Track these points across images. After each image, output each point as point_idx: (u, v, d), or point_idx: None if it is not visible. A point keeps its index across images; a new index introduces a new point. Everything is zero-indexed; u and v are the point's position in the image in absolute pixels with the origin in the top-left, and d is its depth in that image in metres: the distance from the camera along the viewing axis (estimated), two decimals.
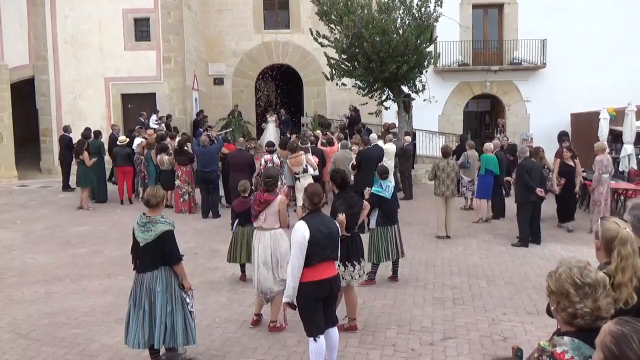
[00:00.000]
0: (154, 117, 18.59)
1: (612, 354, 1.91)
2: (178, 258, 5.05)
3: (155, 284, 4.97)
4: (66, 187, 15.84)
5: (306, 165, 11.64)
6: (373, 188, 7.80)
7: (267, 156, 11.78)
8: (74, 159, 14.83)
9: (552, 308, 2.38)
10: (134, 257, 5.12)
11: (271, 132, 20.57)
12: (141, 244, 4.98)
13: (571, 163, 11.26)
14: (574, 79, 20.39)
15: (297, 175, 11.78)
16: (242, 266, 7.89)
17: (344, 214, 5.79)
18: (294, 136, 16.06)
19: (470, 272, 8.39)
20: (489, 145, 12.24)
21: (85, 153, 13.73)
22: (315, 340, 4.75)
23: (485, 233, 11.03)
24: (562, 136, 13.04)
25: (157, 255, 4.97)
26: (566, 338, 2.25)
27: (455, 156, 13.09)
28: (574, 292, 2.28)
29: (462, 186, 12.96)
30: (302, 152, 11.82)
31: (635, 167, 13.47)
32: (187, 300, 5.11)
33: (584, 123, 17.88)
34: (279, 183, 9.35)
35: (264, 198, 6.11)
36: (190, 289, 5.19)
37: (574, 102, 19.66)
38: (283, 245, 6.08)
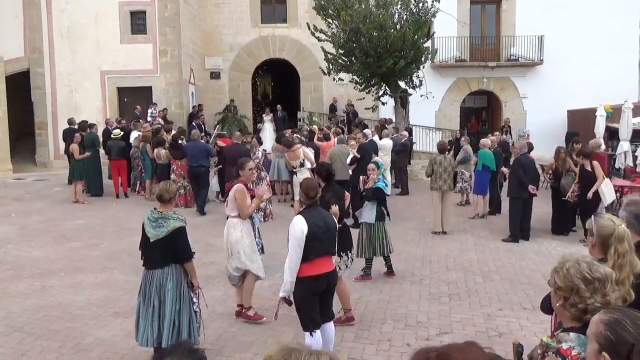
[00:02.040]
0: (150, 110, 18.51)
1: (609, 341, 1.91)
2: (190, 255, 5.00)
3: (166, 281, 4.89)
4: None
5: (303, 160, 11.63)
6: (378, 182, 7.82)
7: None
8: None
9: (558, 304, 2.34)
10: (143, 253, 5.08)
11: (268, 131, 20.53)
12: (151, 240, 4.89)
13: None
14: (571, 75, 20.42)
15: (294, 170, 11.80)
16: None
17: (336, 206, 5.84)
18: (289, 131, 16.06)
19: (466, 267, 8.40)
20: (485, 141, 12.24)
21: (75, 146, 13.61)
22: (311, 334, 4.75)
23: (481, 229, 11.04)
24: (572, 136, 12.04)
25: (168, 251, 4.88)
26: (572, 334, 2.23)
27: (452, 151, 13.11)
28: (584, 287, 2.26)
29: (465, 182, 12.95)
30: (300, 145, 11.83)
31: (632, 164, 13.50)
32: (194, 299, 5.07)
33: (581, 120, 17.92)
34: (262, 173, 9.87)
35: (229, 185, 6.34)
36: (199, 288, 5.16)
37: (571, 98, 19.71)
38: (233, 235, 6.14)
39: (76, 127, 15.67)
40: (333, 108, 22.28)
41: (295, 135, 12.61)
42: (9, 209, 12.70)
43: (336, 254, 5.98)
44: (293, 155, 11.72)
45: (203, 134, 16.99)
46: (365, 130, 13.77)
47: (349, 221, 8.63)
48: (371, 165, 8.14)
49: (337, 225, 5.90)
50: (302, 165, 11.64)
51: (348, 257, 6.41)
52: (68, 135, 15.51)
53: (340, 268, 6.11)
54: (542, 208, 11.36)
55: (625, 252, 2.87)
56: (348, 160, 11.48)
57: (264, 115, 21.51)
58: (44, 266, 8.42)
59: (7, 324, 6.17)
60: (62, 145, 17.28)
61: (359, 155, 11.36)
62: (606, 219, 3.03)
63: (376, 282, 7.64)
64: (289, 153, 11.80)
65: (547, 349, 2.24)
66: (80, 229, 10.85)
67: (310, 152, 12.10)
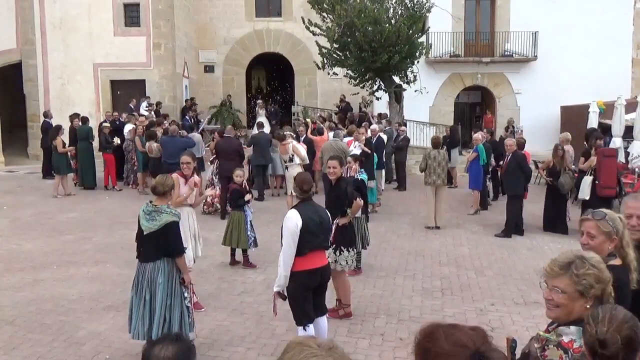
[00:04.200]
0: (144, 104, 18.42)
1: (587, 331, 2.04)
2: (181, 251, 4.99)
3: (157, 275, 4.88)
4: (46, 174, 15.52)
5: (292, 154, 11.67)
6: (362, 174, 7.97)
7: None
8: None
9: (589, 306, 2.22)
10: (138, 245, 5.07)
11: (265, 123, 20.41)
12: (145, 233, 4.89)
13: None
14: (564, 71, 20.48)
15: (285, 164, 11.91)
16: (233, 250, 8.07)
17: (361, 199, 5.93)
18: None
19: (459, 262, 8.43)
20: (477, 136, 12.29)
21: (59, 139, 13.50)
22: (304, 329, 4.75)
23: (474, 224, 11.07)
24: (593, 132, 11.57)
25: (160, 245, 4.88)
26: (573, 327, 2.22)
27: (445, 147, 13.14)
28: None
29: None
30: (290, 140, 11.88)
31: (624, 161, 13.53)
32: (186, 294, 5.05)
33: (574, 116, 17.97)
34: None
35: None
36: (190, 284, 5.15)
37: (565, 94, 19.77)
38: None
39: (51, 120, 15.66)
40: (348, 107, 20.75)
41: (287, 132, 12.61)
42: (1, 202, 12.62)
43: (344, 249, 6.07)
44: (283, 149, 11.83)
45: (201, 129, 17.04)
46: (373, 126, 13.84)
47: None
48: (349, 158, 8.20)
49: (349, 219, 6.06)
50: (291, 160, 11.70)
51: (355, 252, 6.30)
52: (45, 129, 15.50)
53: (347, 263, 6.15)
54: (534, 204, 11.42)
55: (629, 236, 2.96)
56: (357, 152, 11.47)
57: (257, 109, 21.26)
58: (36, 259, 8.38)
59: None
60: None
61: (369, 151, 11.38)
62: (610, 212, 3.02)
63: (369, 276, 7.65)
64: (280, 147, 11.91)
65: (547, 343, 2.24)
66: (73, 222, 10.81)
67: (301, 148, 12.11)
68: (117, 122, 15.72)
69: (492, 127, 19.90)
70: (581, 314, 2.23)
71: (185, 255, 5.30)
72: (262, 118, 20.05)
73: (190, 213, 6.50)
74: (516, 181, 10.07)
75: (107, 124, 14.73)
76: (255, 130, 14.15)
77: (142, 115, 16.06)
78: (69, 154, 13.73)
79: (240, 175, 8.15)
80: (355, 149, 11.65)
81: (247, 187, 8.44)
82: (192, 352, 1.97)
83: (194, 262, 6.49)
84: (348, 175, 7.76)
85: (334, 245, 6.06)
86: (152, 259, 4.92)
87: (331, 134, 14.16)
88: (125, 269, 7.48)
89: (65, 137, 14.18)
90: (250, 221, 7.97)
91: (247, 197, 8.01)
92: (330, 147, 11.79)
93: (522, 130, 18.57)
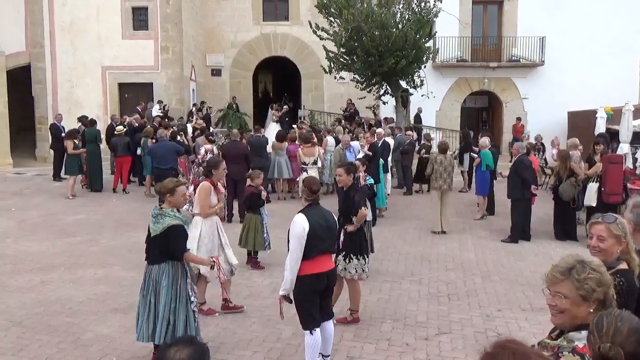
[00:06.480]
0: (157, 106, 18.50)
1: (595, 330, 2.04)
2: (181, 252, 4.96)
3: (161, 278, 4.89)
4: (57, 175, 15.65)
5: (317, 158, 11.71)
6: (368, 180, 7.98)
7: (208, 146, 11.75)
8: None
9: (592, 310, 2.23)
10: (147, 248, 5.11)
11: (273, 127, 20.38)
12: (152, 235, 4.94)
13: None
14: (572, 77, 20.44)
15: (304, 166, 11.90)
16: (255, 253, 8.17)
17: (367, 208, 5.96)
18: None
19: (465, 267, 8.41)
20: (484, 141, 12.23)
21: (69, 141, 13.59)
22: (311, 333, 4.74)
23: (481, 229, 11.04)
24: (598, 138, 11.75)
25: (163, 248, 4.90)
26: (584, 332, 2.21)
27: (459, 151, 13.13)
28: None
29: None
30: (314, 143, 11.97)
31: (631, 167, 13.48)
32: (192, 298, 5.06)
33: (581, 121, 17.92)
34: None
35: (195, 183, 6.67)
36: (214, 262, 5.42)
37: (572, 100, 19.73)
38: (192, 231, 5.91)
39: (60, 123, 15.80)
40: (356, 112, 20.74)
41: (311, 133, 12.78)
42: (9, 204, 12.70)
43: (354, 256, 6.03)
44: (308, 151, 11.81)
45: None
46: (378, 130, 13.88)
47: None
48: (357, 162, 8.19)
49: (356, 227, 6.06)
50: (315, 162, 11.72)
51: (365, 261, 6.19)
52: (54, 131, 15.64)
53: (358, 271, 6.07)
54: (542, 209, 11.37)
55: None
56: (360, 155, 11.51)
57: (271, 111, 20.96)
58: (44, 261, 8.42)
59: (7, 319, 6.17)
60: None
61: (370, 153, 11.40)
62: (619, 216, 3.07)
63: (375, 281, 7.63)
64: (304, 149, 11.89)
65: (561, 349, 2.22)
66: (80, 224, 10.85)
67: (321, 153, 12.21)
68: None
69: (521, 138, 19.44)
70: (585, 318, 2.24)
71: (221, 270, 5.61)
72: (273, 122, 20.09)
73: (218, 223, 6.34)
74: (515, 186, 10.02)
75: (122, 127, 14.67)
76: (266, 132, 14.23)
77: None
78: (81, 156, 13.81)
79: (258, 177, 8.24)
80: (359, 153, 11.70)
81: (263, 188, 8.52)
82: (207, 355, 2.00)
83: (233, 273, 6.38)
84: (362, 183, 7.76)
85: (344, 253, 6.06)
86: (157, 261, 4.95)
87: (329, 138, 14.24)
88: (132, 272, 7.52)
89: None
90: (265, 224, 8.03)
91: (263, 194, 8.10)
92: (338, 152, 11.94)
93: (529, 136, 18.54)
